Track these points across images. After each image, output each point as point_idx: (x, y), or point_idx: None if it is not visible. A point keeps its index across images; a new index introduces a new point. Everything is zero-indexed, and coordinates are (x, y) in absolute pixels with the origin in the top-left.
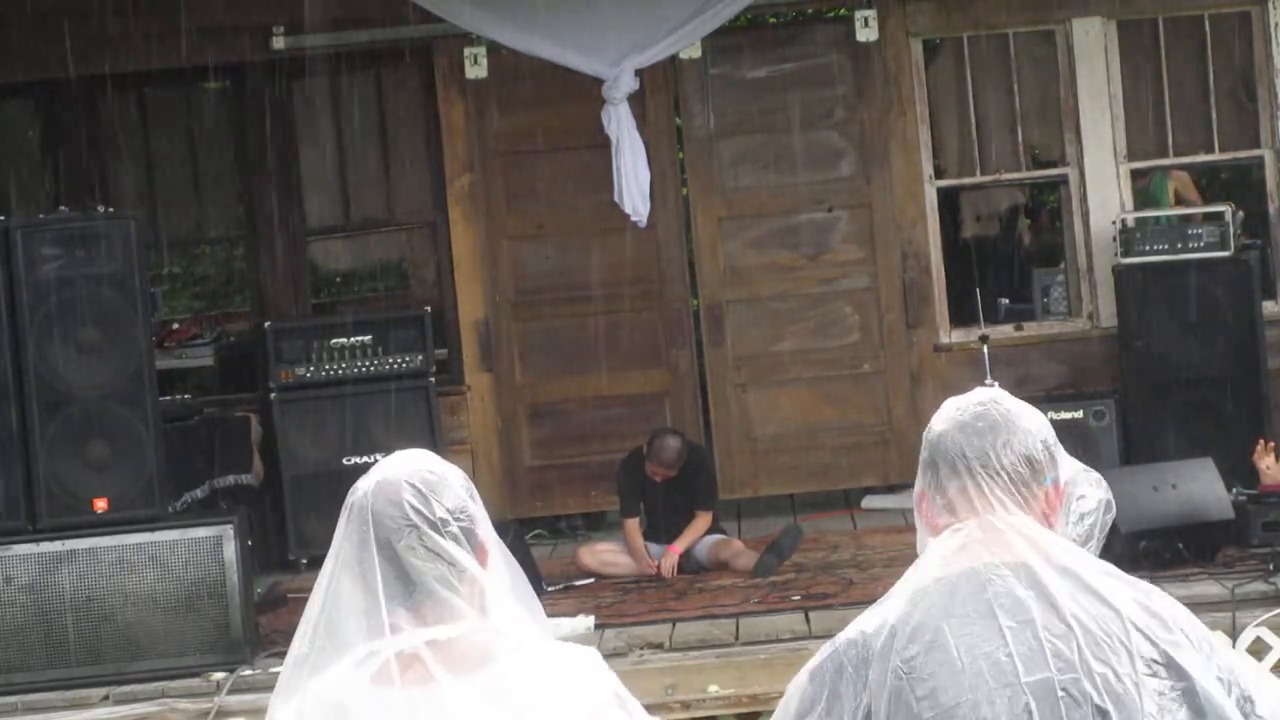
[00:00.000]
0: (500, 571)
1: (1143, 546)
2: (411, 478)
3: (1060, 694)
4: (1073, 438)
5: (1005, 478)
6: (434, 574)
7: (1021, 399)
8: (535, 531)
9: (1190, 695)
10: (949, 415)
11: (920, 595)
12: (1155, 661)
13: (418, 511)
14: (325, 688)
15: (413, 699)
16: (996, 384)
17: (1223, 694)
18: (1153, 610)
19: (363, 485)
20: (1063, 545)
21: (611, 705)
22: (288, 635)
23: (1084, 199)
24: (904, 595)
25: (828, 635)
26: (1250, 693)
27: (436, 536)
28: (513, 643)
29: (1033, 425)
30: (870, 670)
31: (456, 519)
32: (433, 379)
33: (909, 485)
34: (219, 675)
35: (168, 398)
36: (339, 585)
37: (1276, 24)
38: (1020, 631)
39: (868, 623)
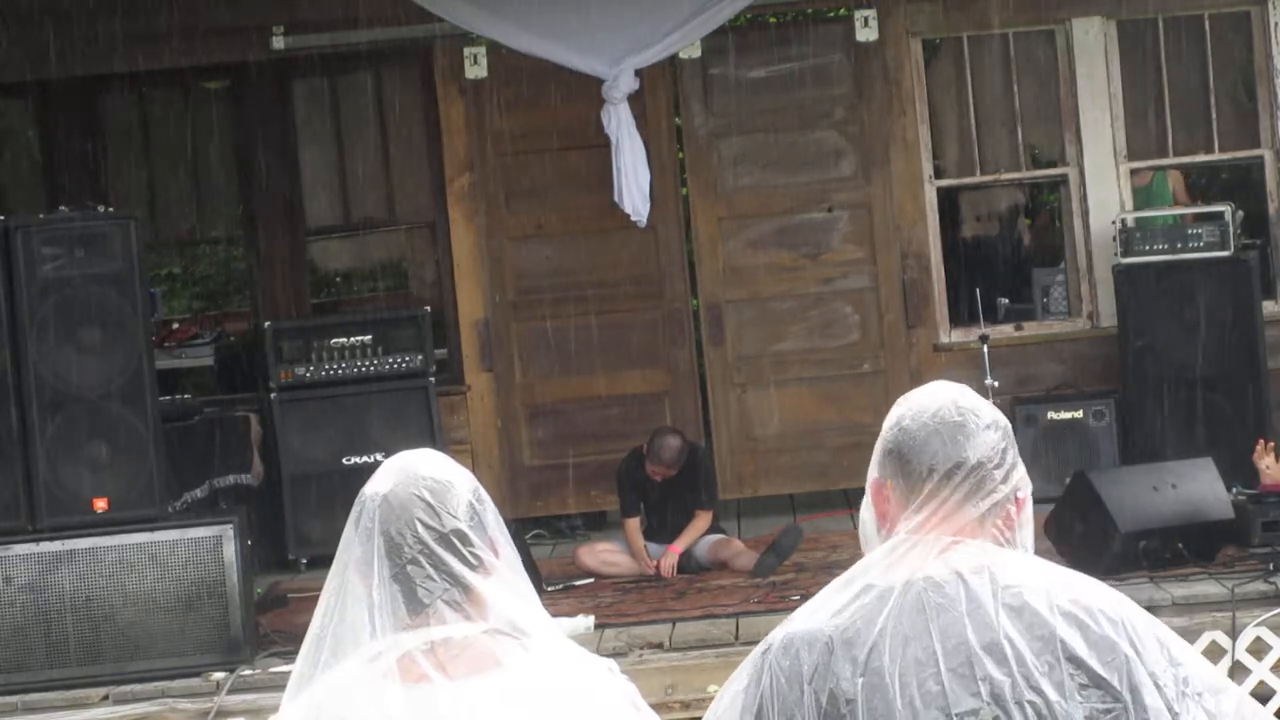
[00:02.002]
0: (509, 575)
1: (1143, 546)
2: (419, 488)
3: None
4: (1073, 438)
5: (966, 486)
6: (442, 581)
7: (1022, 399)
8: (535, 531)
9: (1135, 711)
10: (915, 413)
11: (858, 606)
12: (1085, 686)
13: (426, 526)
14: (335, 682)
15: (422, 698)
16: (997, 384)
17: (1171, 705)
18: (1093, 632)
19: (369, 492)
20: (1007, 559)
21: (627, 711)
22: (288, 635)
23: (1084, 199)
24: (841, 603)
25: None
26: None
27: (443, 550)
28: (525, 646)
29: (996, 433)
30: (803, 686)
31: (465, 529)
32: (432, 379)
33: None
34: (219, 675)
35: (168, 398)
36: (345, 599)
37: (1276, 24)
38: (954, 655)
39: (799, 628)
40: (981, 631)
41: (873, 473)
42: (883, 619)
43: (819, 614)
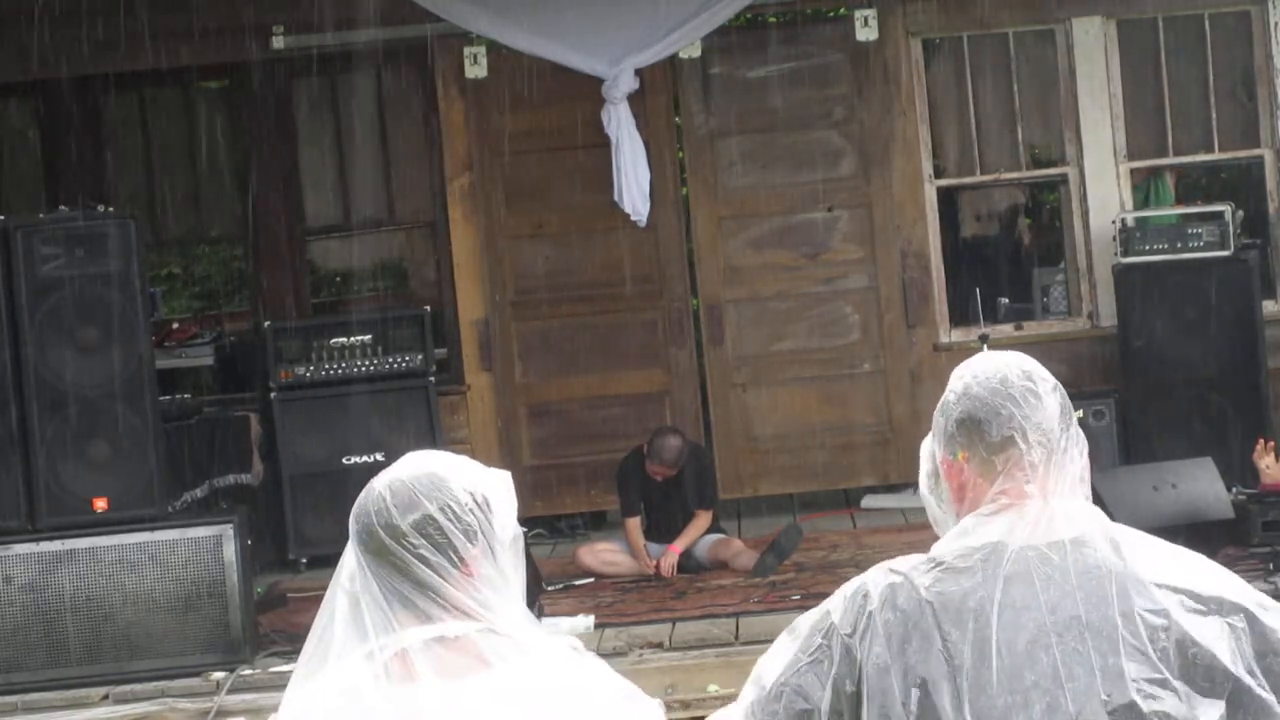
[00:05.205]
0: (499, 577)
1: None
2: (415, 485)
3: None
4: None
5: (1045, 448)
6: (435, 579)
7: None
8: (535, 531)
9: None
10: (983, 380)
11: (965, 569)
12: (1206, 689)
13: (418, 524)
14: (330, 682)
15: (413, 698)
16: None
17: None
18: (1204, 623)
19: (369, 489)
20: (1114, 530)
21: (622, 706)
22: (288, 635)
23: (1084, 199)
24: (948, 560)
25: None
26: None
27: (432, 549)
28: (515, 647)
29: (1059, 394)
30: (905, 643)
31: (457, 529)
32: (432, 378)
33: (909, 485)
34: (219, 675)
35: (168, 398)
36: (343, 597)
37: (1276, 24)
38: (1067, 629)
39: (900, 580)
40: (1093, 606)
41: (939, 452)
42: (991, 587)
43: (921, 570)
